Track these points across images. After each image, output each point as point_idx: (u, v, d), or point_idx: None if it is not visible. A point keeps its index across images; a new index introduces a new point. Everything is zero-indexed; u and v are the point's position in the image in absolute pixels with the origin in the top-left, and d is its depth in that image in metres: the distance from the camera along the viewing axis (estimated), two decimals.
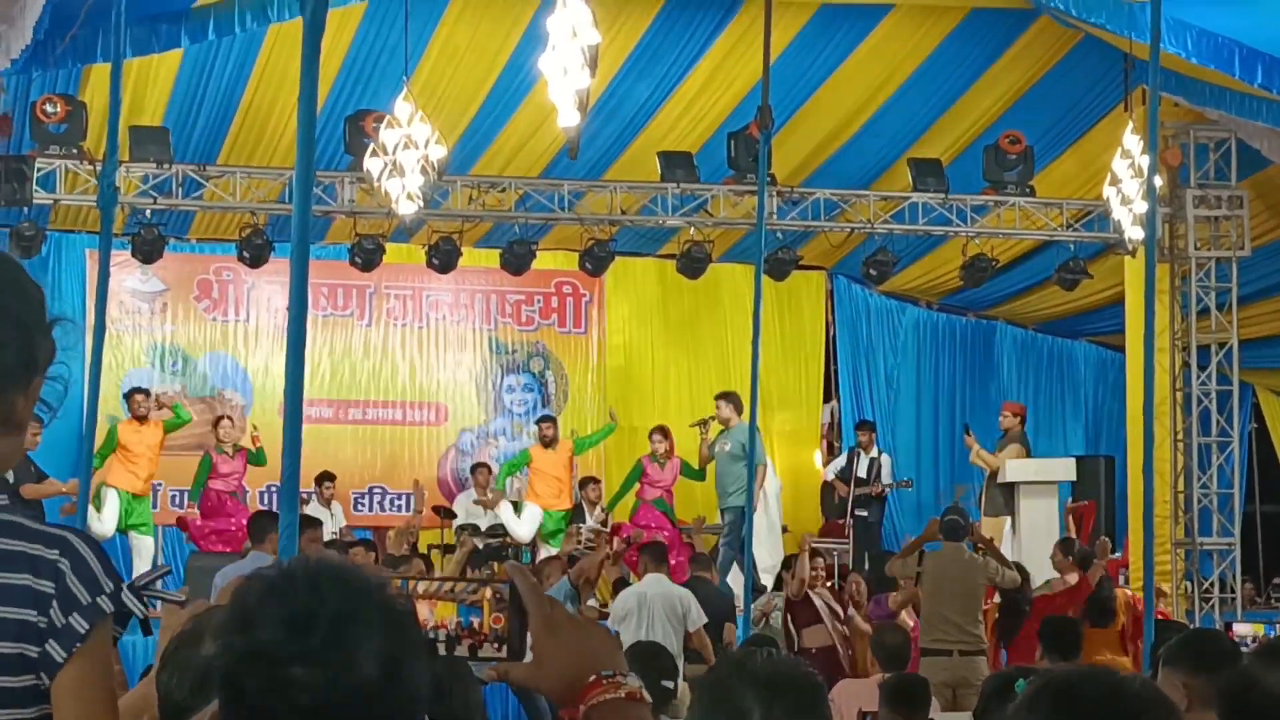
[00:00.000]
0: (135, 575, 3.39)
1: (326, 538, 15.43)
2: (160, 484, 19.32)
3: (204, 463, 18.11)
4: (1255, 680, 4.27)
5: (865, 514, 20.02)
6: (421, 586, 2.57)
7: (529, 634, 2.46)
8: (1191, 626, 13.80)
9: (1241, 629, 6.57)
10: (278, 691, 2.06)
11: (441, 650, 2.54)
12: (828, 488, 20.92)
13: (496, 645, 2.52)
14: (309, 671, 2.06)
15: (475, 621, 2.56)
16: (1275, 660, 4.34)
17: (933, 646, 13.15)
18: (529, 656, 2.46)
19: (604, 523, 19.15)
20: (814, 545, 16.95)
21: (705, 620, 13.43)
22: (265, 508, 17.44)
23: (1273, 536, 20.56)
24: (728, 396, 18.53)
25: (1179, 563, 18.54)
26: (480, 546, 18.00)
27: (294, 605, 2.09)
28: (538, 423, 19.87)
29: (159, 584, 3.72)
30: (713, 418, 18.73)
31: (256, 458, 18.16)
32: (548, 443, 19.31)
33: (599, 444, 20.32)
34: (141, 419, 18.02)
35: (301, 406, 7.05)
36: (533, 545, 18.85)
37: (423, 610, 2.57)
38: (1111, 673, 2.36)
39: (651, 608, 13.56)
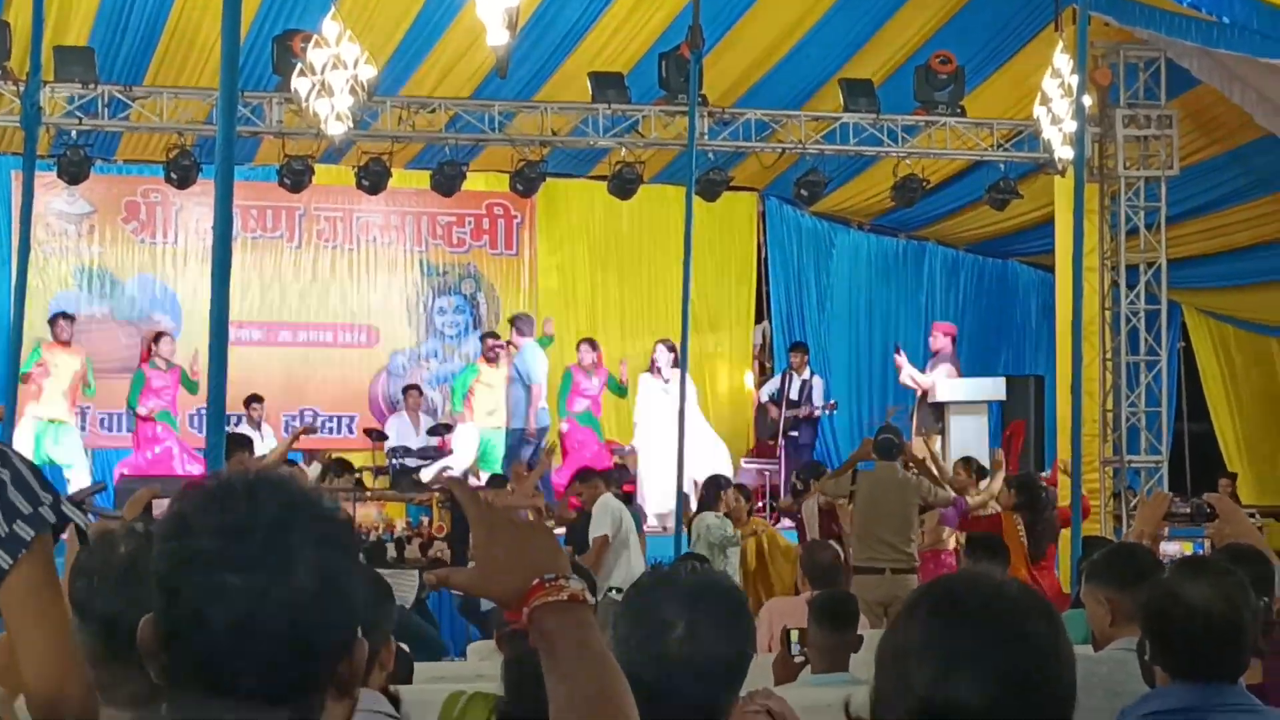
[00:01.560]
0: (71, 492, 3.40)
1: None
2: (89, 408, 19.26)
3: (137, 377, 18.09)
4: (1175, 593, 4.33)
5: (797, 435, 20.15)
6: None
7: (470, 539, 2.46)
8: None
9: (1170, 547, 6.61)
10: (213, 597, 2.05)
11: (391, 550, 2.56)
12: (761, 409, 21.01)
13: (446, 544, 2.54)
14: (244, 578, 2.05)
15: (424, 520, 2.57)
16: (1195, 574, 4.41)
17: (865, 564, 13.22)
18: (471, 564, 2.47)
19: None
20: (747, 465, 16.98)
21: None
22: (195, 431, 17.44)
23: (1200, 454, 20.75)
24: (513, 320, 19.28)
25: (1107, 480, 18.69)
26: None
27: (232, 513, 2.08)
28: (483, 338, 19.86)
29: (93, 500, 3.71)
30: (509, 342, 18.90)
31: (190, 385, 18.07)
32: (493, 359, 19.31)
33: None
34: (65, 344, 17.89)
35: (227, 329, 7.03)
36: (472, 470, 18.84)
37: (371, 510, 2.58)
38: (990, 578, 2.38)
39: None
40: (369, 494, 14.75)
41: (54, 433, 17.61)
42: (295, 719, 2.10)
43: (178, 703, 2.11)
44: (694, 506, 15.67)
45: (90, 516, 3.45)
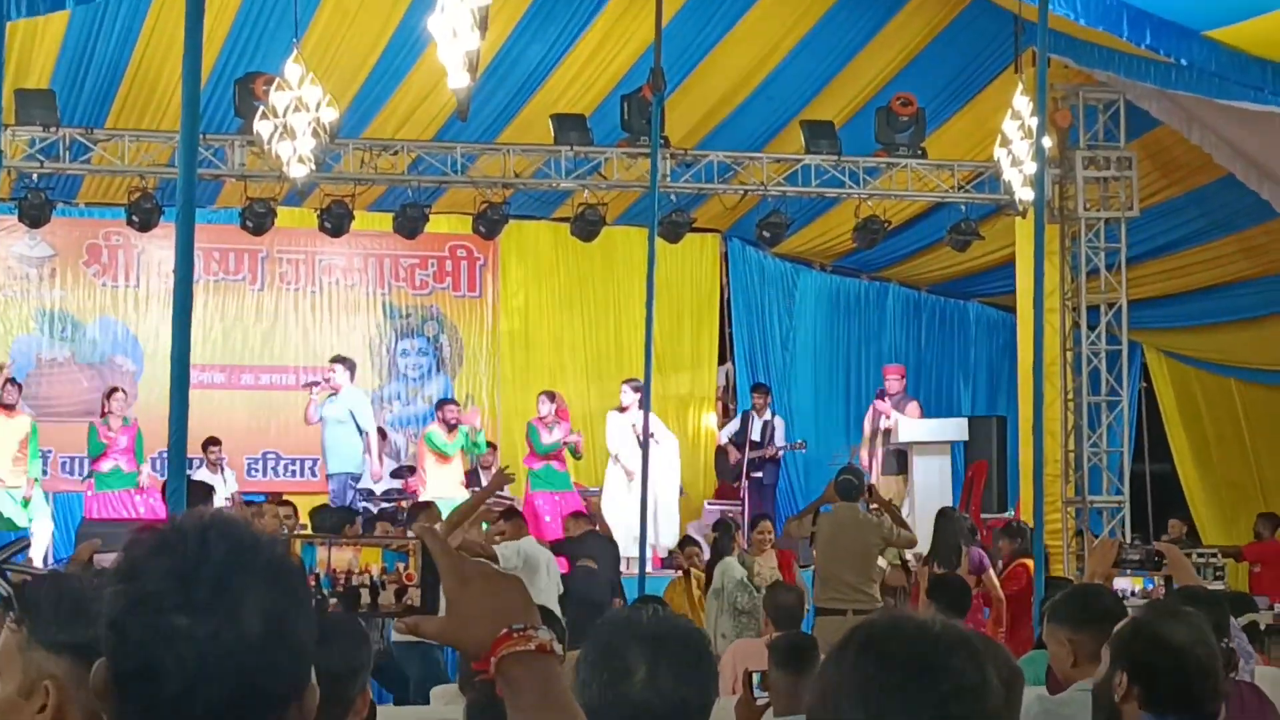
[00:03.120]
0: None
1: (219, 504, 15.33)
2: (50, 450, 19.13)
3: (91, 431, 17.83)
4: (1159, 634, 4.39)
5: (760, 476, 20.17)
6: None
7: (441, 589, 2.47)
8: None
9: (1122, 583, 6.66)
10: (161, 641, 2.05)
11: (365, 597, 2.55)
12: (721, 452, 21.00)
13: (421, 592, 2.54)
14: (192, 622, 2.05)
15: (400, 566, 2.57)
16: (1171, 617, 4.48)
17: (827, 606, 13.21)
18: (442, 613, 2.47)
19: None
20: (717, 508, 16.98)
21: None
22: (157, 474, 17.35)
23: (1161, 495, 20.80)
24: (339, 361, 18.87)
25: (1069, 520, 18.73)
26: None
27: (181, 557, 2.08)
28: (441, 404, 19.40)
29: (16, 559, 3.67)
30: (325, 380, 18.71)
31: (138, 453, 17.85)
32: (452, 427, 18.83)
33: None
34: (9, 408, 17.55)
35: (188, 371, 7.01)
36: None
37: (347, 555, 2.58)
38: (915, 618, 2.39)
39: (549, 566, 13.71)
40: (344, 539, 14.57)
41: (5, 497, 17.20)
42: None
43: None
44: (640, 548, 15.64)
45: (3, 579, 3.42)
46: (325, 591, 2.57)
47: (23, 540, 7.14)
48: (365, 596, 2.56)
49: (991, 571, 14.73)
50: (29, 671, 2.84)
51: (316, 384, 18.90)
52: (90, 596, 2.87)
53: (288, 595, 2.13)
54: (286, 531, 13.14)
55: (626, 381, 19.29)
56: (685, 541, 16.45)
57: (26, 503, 17.19)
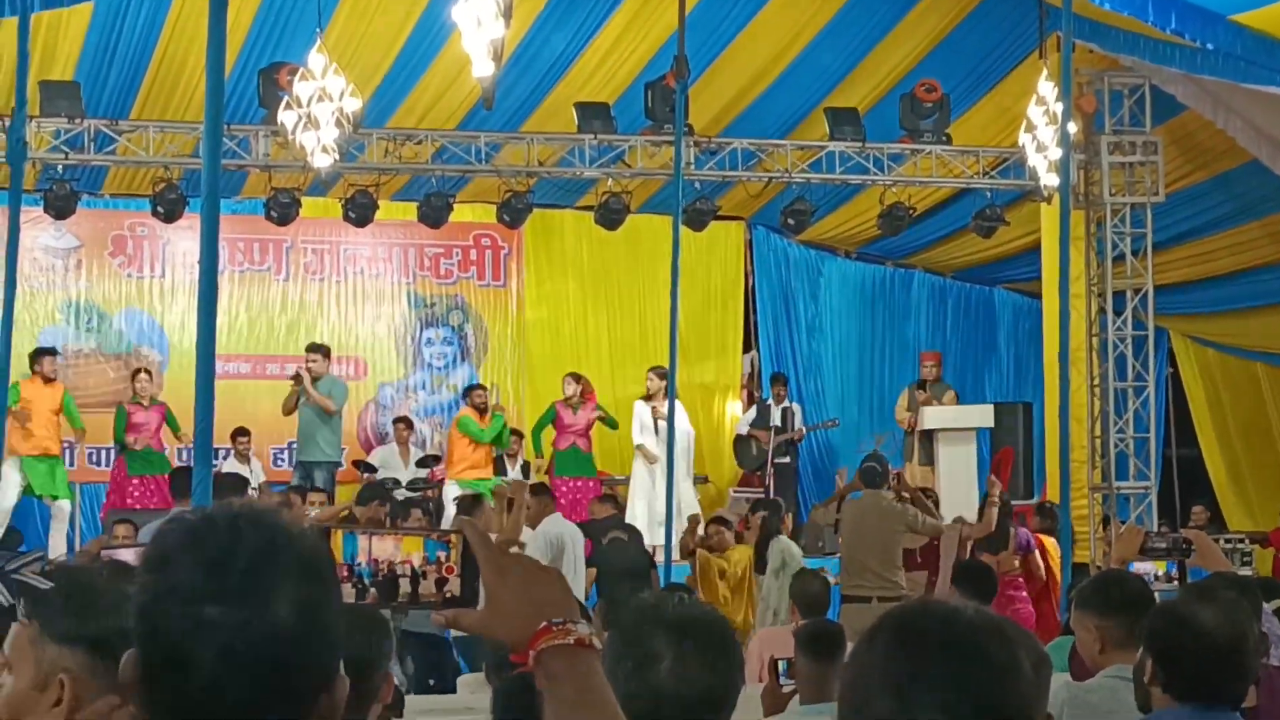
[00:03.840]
0: (5, 561, 3.33)
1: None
2: (76, 443, 19.16)
3: (119, 413, 17.91)
4: (1184, 617, 4.37)
5: (787, 460, 20.18)
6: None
7: (480, 581, 2.47)
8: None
9: (1145, 566, 6.64)
10: (192, 631, 2.05)
11: (405, 587, 2.55)
12: (741, 441, 20.94)
13: (460, 581, 2.53)
14: (224, 611, 2.05)
15: (441, 556, 2.57)
16: (1204, 599, 4.46)
17: (852, 593, 13.21)
18: (481, 605, 2.48)
19: (525, 473, 19.18)
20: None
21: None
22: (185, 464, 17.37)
23: (1188, 480, 20.76)
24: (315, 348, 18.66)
25: (1096, 507, 18.69)
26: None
27: (212, 546, 2.09)
28: (471, 389, 19.43)
29: (30, 569, 3.66)
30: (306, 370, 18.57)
31: (173, 422, 17.97)
32: (483, 411, 18.84)
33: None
34: (48, 380, 17.69)
35: (213, 361, 7.03)
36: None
37: (388, 545, 2.58)
38: (946, 604, 2.38)
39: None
40: (385, 529, 14.48)
41: (42, 468, 17.39)
42: None
43: None
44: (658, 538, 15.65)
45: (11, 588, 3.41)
46: (365, 581, 2.57)
47: (38, 551, 7.15)
48: (405, 586, 2.56)
49: (1037, 552, 14.76)
50: (42, 665, 2.84)
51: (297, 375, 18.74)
52: (101, 589, 2.88)
53: (319, 585, 2.13)
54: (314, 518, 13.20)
55: (653, 369, 19.27)
56: (716, 519, 16.26)
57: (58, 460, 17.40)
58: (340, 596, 2.23)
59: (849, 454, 21.15)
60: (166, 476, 17.32)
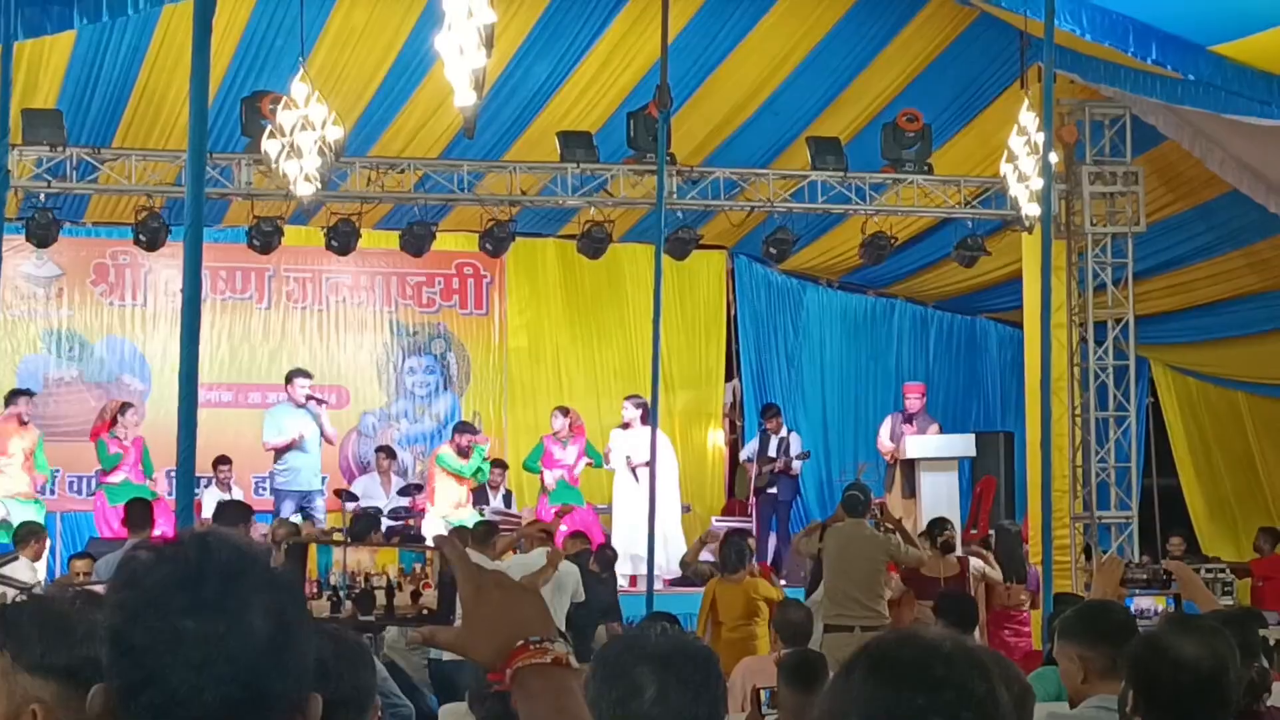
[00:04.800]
0: None
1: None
2: (58, 470, 19.18)
3: (99, 446, 17.86)
4: (1164, 647, 4.36)
5: (775, 491, 20.17)
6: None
7: (458, 599, 2.46)
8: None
9: (1144, 603, 6.62)
10: (168, 645, 2.03)
11: (381, 599, 2.54)
12: (737, 469, 20.94)
13: (439, 586, 2.52)
14: (200, 624, 2.04)
15: (418, 567, 2.56)
16: (1184, 630, 4.45)
17: (835, 622, 13.19)
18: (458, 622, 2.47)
19: (507, 502, 19.18)
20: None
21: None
22: (162, 496, 17.35)
23: (1169, 510, 20.77)
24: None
25: (1077, 536, 18.69)
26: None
27: (184, 562, 2.07)
28: (459, 428, 19.11)
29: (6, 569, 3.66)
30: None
31: (148, 464, 17.92)
32: (464, 452, 18.58)
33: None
34: (24, 424, 17.63)
35: (196, 390, 7.02)
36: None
37: (363, 556, 2.57)
38: (924, 636, 2.37)
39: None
40: (361, 543, 14.41)
41: (19, 510, 17.29)
42: None
43: None
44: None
45: None
46: (340, 594, 2.56)
47: (11, 554, 7.13)
48: (381, 599, 2.55)
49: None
50: (14, 696, 2.82)
51: (323, 401, 18.81)
52: (75, 618, 2.85)
53: (291, 600, 2.13)
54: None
55: (629, 398, 19.26)
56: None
57: (38, 502, 17.41)
58: (310, 614, 2.22)
59: (831, 484, 21.18)
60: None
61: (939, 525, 15.33)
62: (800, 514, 21.12)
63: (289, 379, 18.61)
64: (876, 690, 2.30)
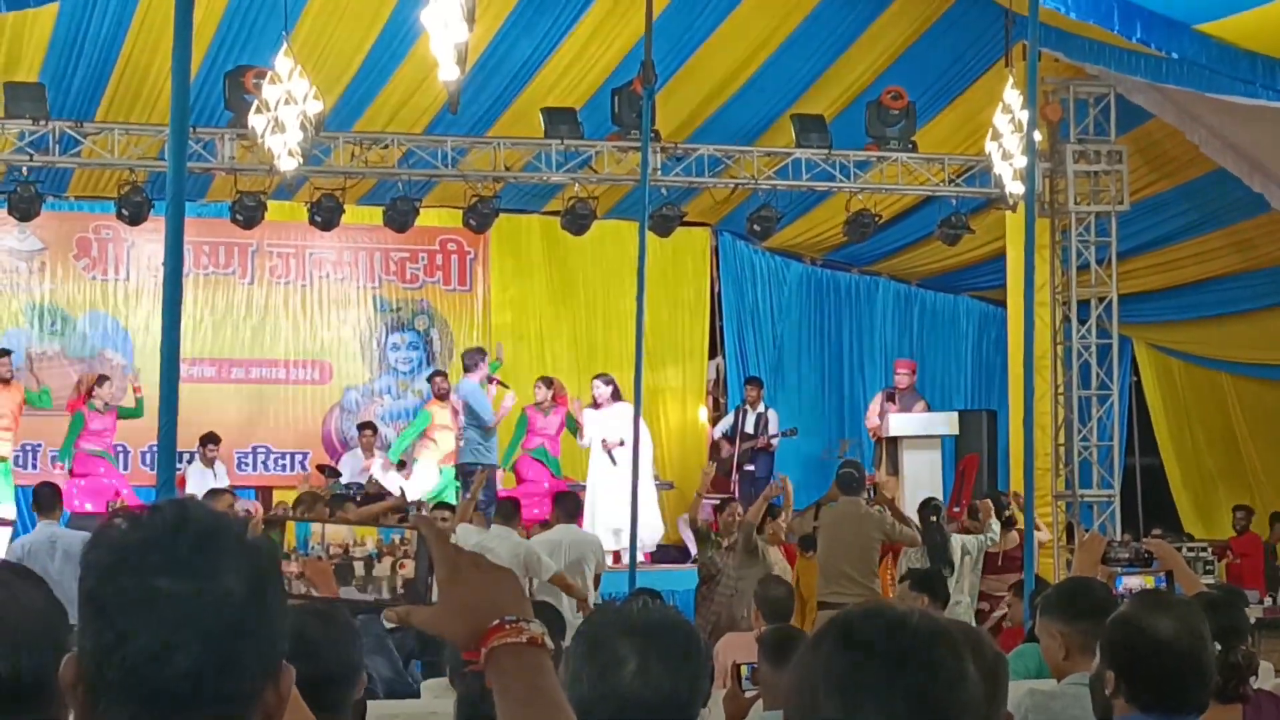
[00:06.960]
0: None
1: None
2: (40, 444, 19.18)
3: (76, 419, 17.92)
4: (1140, 626, 4.36)
5: (753, 469, 20.16)
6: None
7: (433, 578, 2.47)
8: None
9: (1133, 581, 6.61)
10: (144, 603, 2.02)
11: (360, 569, 2.54)
12: (714, 447, 20.96)
13: (416, 566, 2.53)
14: (175, 581, 2.02)
15: (396, 539, 2.56)
16: (1158, 608, 4.45)
17: (829, 600, 13.20)
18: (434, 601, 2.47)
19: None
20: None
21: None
22: (147, 469, 17.36)
23: (1151, 488, 20.82)
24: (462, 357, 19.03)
25: (1060, 515, 18.74)
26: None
27: (161, 525, 2.07)
28: (431, 379, 19.77)
29: None
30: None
31: (132, 411, 18.03)
32: (443, 396, 19.23)
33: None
34: (5, 381, 17.75)
35: (178, 365, 7.00)
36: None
37: (342, 532, 2.57)
38: (893, 608, 2.38)
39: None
40: (338, 519, 14.46)
41: None
42: None
43: None
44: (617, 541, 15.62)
45: None
46: (321, 558, 2.56)
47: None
48: (360, 569, 2.55)
49: None
50: None
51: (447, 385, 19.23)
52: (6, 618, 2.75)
53: (266, 562, 2.12)
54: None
55: (597, 377, 19.31)
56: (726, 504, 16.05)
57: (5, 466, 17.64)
58: (286, 581, 2.22)
59: (812, 460, 21.18)
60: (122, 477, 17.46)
61: (932, 507, 15.31)
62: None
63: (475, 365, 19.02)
64: (844, 663, 2.29)
